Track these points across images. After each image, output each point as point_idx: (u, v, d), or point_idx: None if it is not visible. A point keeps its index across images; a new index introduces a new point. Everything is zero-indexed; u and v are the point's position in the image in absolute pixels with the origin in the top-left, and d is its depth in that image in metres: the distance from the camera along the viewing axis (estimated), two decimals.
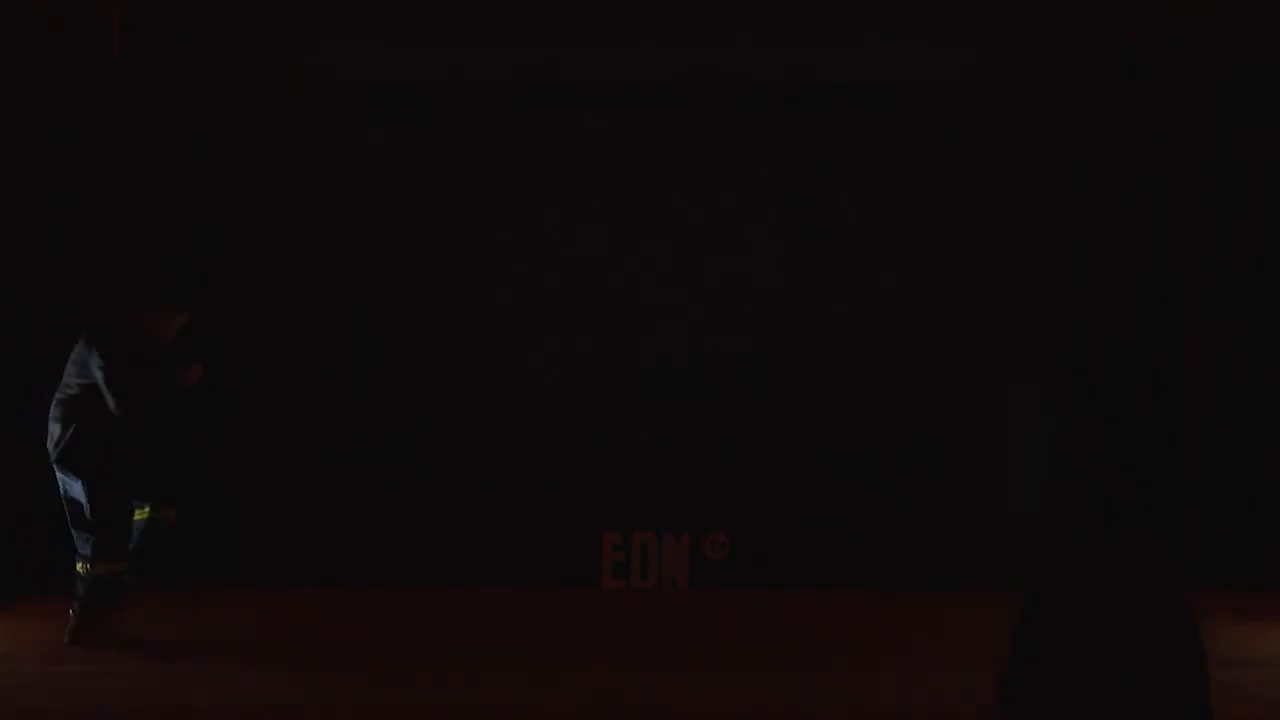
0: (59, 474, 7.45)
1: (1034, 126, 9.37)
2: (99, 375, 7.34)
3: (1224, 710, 2.98)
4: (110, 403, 7.34)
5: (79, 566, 7.36)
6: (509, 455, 9.57)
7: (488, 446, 9.59)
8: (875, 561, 9.26)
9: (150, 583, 7.69)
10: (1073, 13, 9.26)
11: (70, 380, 7.46)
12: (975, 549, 9.28)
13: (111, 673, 6.84)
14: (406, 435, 9.62)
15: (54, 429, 7.45)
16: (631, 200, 9.61)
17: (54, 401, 7.50)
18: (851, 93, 9.59)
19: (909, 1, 9.32)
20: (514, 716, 6.22)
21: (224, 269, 9.41)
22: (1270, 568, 9.03)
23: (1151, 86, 9.22)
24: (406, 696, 6.51)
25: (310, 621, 8.22)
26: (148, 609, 8.29)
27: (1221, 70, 9.17)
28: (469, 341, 9.55)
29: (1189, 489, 9.15)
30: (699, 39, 9.43)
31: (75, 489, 7.40)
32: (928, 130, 9.58)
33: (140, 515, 7.60)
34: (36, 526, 9.04)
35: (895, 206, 9.59)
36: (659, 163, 9.61)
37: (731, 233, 9.60)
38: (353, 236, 9.63)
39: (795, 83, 9.55)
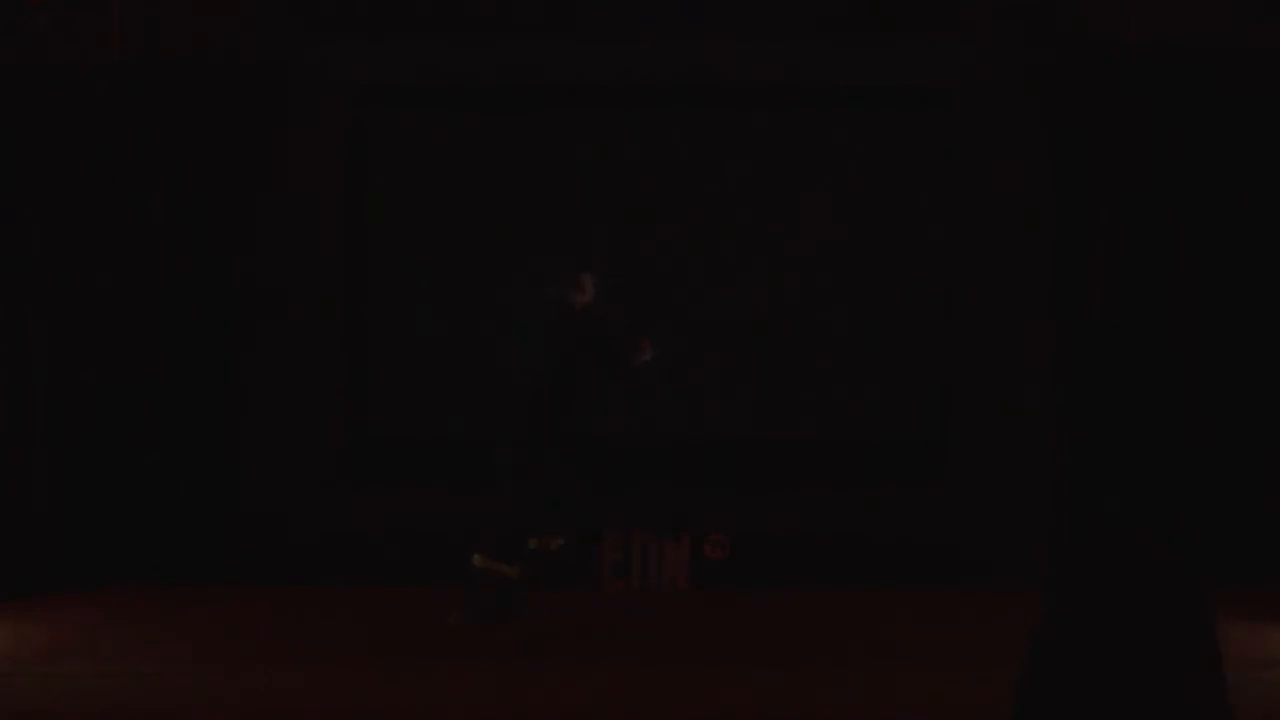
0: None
1: (1034, 126, 9.38)
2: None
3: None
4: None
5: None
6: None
7: (487, 446, 9.59)
8: (875, 561, 9.27)
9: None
10: (1073, 12, 9.27)
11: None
12: (975, 549, 9.30)
13: (111, 673, 6.84)
14: (406, 435, 9.63)
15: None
16: (630, 200, 9.61)
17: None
18: (851, 93, 9.59)
19: (909, 1, 9.32)
20: (514, 716, 6.22)
21: (224, 269, 9.41)
22: (1271, 566, 9.03)
23: (1151, 86, 9.22)
24: (406, 696, 6.51)
25: (311, 620, 8.22)
26: (148, 609, 8.31)
27: (1221, 70, 9.17)
28: (469, 341, 9.55)
29: (1190, 488, 9.14)
30: (699, 39, 9.43)
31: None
32: (928, 130, 9.59)
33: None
34: (37, 526, 9.06)
35: (895, 206, 9.60)
36: (658, 163, 9.62)
37: (731, 232, 9.61)
38: (352, 236, 9.64)
39: (795, 83, 9.56)
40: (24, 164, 9.09)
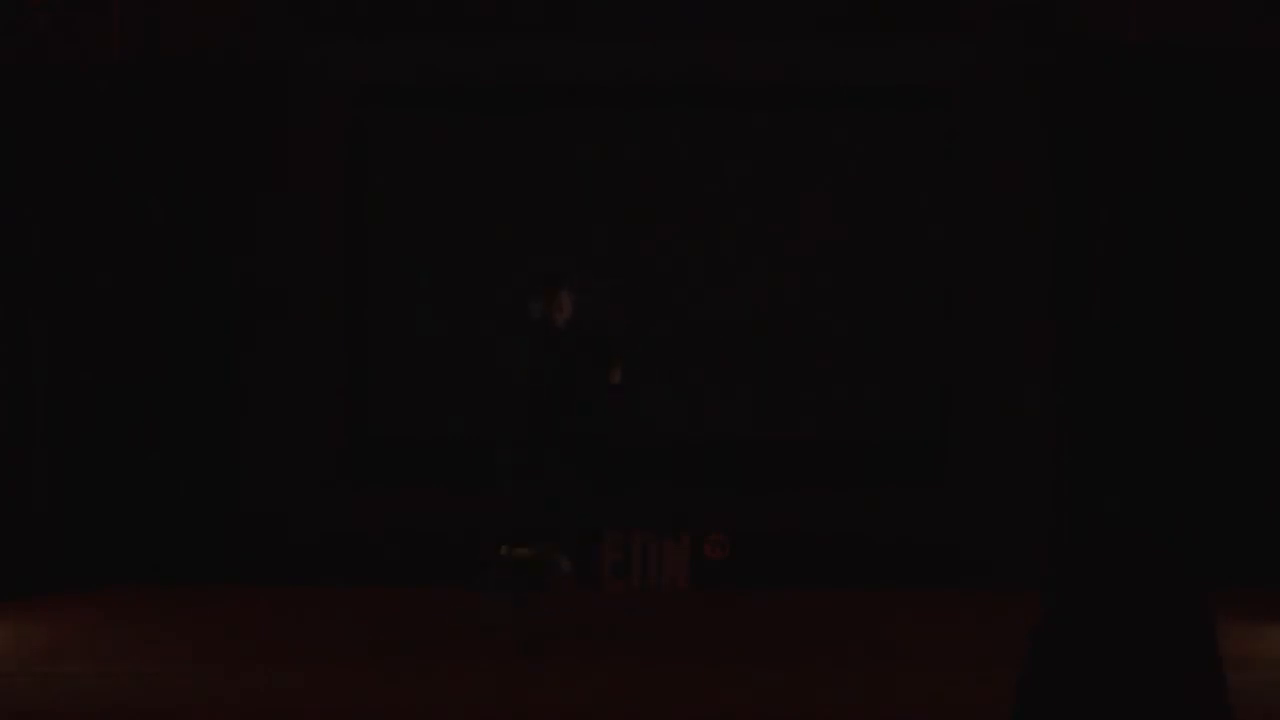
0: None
1: (1034, 126, 9.38)
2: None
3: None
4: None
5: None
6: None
7: (487, 446, 9.59)
8: (875, 561, 9.27)
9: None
10: (1073, 12, 9.26)
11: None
12: (975, 549, 9.29)
13: (111, 673, 6.84)
14: (406, 435, 9.63)
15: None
16: (630, 200, 9.61)
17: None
18: (851, 93, 9.59)
19: (909, 1, 9.32)
20: (514, 716, 6.22)
21: (224, 269, 9.41)
22: (1271, 566, 9.03)
23: (1151, 86, 9.22)
24: (406, 696, 6.51)
25: (311, 620, 8.22)
26: (148, 609, 8.30)
27: (1221, 70, 9.17)
28: (469, 341, 9.55)
29: (1190, 488, 9.14)
30: (699, 39, 9.43)
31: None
32: (928, 130, 9.59)
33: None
34: (37, 526, 9.06)
35: (895, 206, 9.60)
36: (658, 163, 9.62)
37: (730, 232, 9.61)
38: (352, 236, 9.63)
39: (795, 83, 9.55)
40: (24, 164, 9.09)
